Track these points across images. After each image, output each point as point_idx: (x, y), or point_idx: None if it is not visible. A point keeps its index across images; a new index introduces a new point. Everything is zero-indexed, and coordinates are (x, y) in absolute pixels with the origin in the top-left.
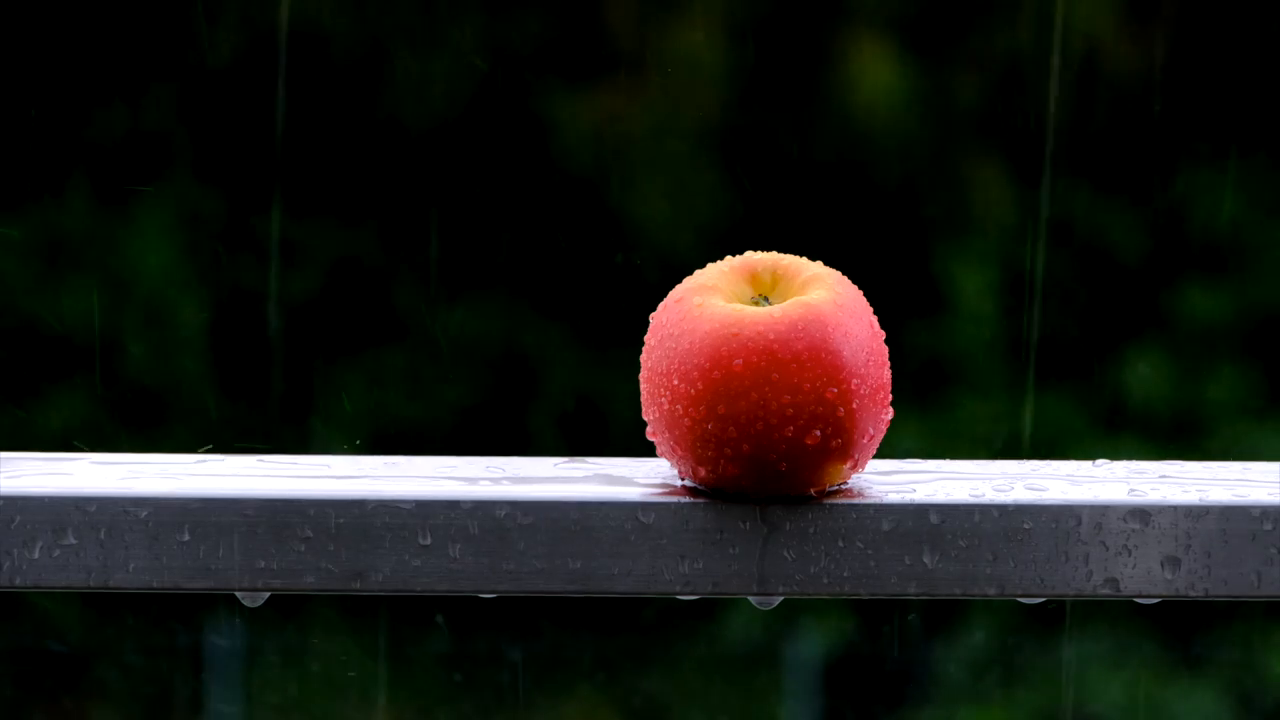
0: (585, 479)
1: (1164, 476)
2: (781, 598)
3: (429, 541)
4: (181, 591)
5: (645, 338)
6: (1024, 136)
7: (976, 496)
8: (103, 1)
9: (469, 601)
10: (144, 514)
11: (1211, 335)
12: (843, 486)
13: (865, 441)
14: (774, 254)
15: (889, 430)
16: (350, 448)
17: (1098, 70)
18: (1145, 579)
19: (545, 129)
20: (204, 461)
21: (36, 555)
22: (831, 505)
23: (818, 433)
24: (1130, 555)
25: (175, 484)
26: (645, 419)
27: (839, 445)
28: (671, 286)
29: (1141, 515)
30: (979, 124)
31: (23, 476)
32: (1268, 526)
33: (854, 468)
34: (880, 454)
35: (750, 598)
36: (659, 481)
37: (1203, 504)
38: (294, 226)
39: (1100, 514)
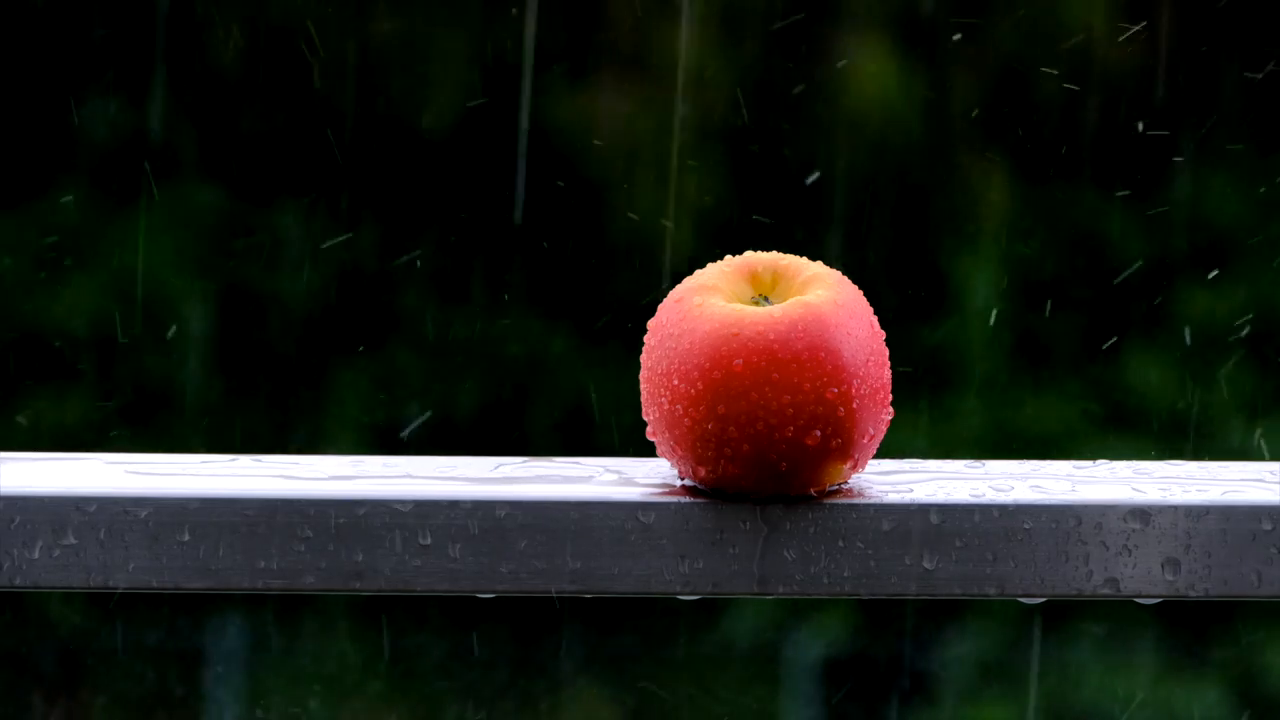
0: (585, 479)
1: (1164, 476)
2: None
3: (429, 541)
4: (181, 591)
5: (645, 338)
6: (1026, 135)
7: (976, 496)
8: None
9: (468, 601)
10: (144, 514)
11: (1213, 335)
12: (843, 486)
13: (865, 441)
14: (774, 254)
15: (889, 430)
16: (350, 448)
17: (1099, 68)
18: (1145, 579)
19: (544, 128)
20: (204, 462)
21: (36, 555)
22: (831, 505)
23: (818, 433)
24: (1130, 555)
25: (175, 484)
26: (645, 419)
27: (839, 445)
28: (672, 287)
29: (1141, 515)
30: (980, 123)
31: (23, 476)
32: (1268, 526)
33: (854, 468)
34: (880, 454)
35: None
36: (659, 481)
37: (1203, 504)
38: (295, 227)
39: (1100, 514)
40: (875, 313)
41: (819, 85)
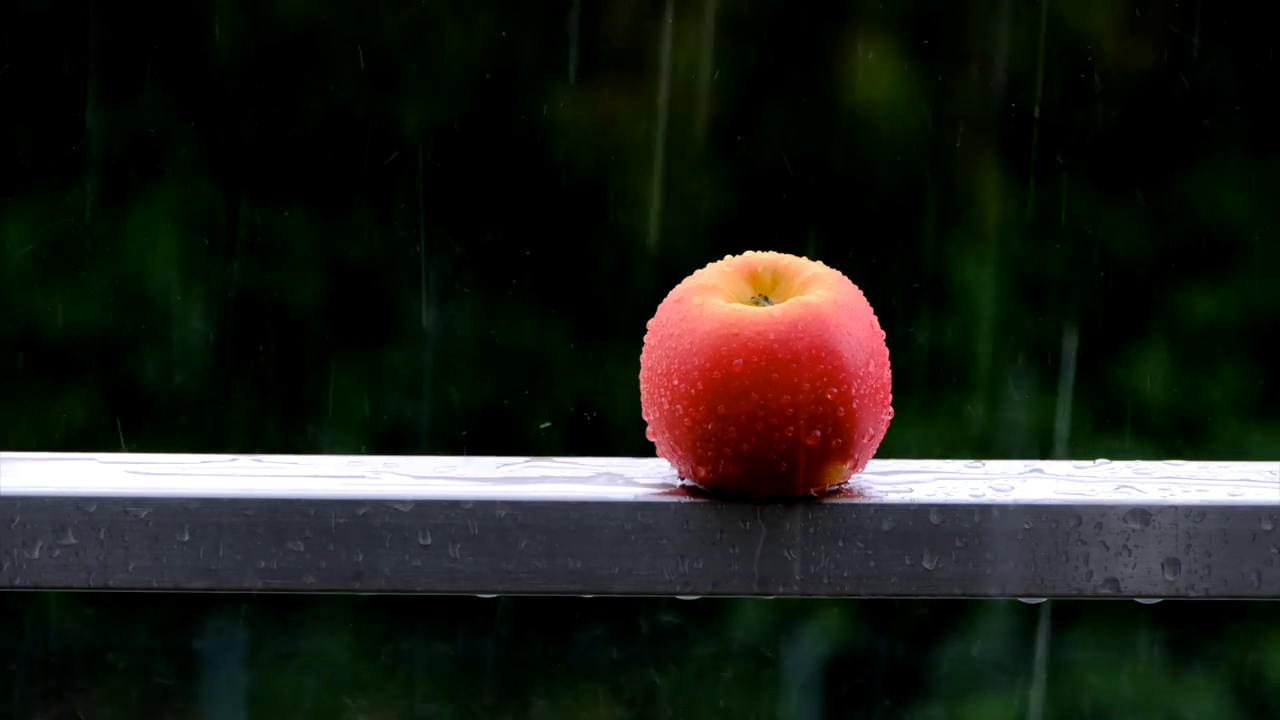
0: (585, 479)
1: (1164, 476)
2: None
3: (429, 541)
4: (181, 591)
5: (645, 338)
6: (1026, 135)
7: (976, 496)
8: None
9: (468, 601)
10: (144, 514)
11: (1212, 335)
12: (843, 486)
13: (865, 441)
14: (774, 254)
15: (889, 430)
16: (350, 448)
17: (1100, 68)
18: (1145, 579)
19: (544, 128)
20: (204, 462)
21: (36, 555)
22: (831, 505)
23: (818, 433)
24: (1130, 555)
25: (175, 484)
26: (645, 419)
27: (839, 445)
28: (671, 287)
29: (1141, 515)
30: (980, 123)
31: (23, 476)
32: (1268, 526)
33: (854, 468)
34: (880, 454)
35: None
36: (659, 481)
37: (1203, 504)
38: (295, 226)
39: (1100, 514)
40: (875, 313)
41: (819, 85)
